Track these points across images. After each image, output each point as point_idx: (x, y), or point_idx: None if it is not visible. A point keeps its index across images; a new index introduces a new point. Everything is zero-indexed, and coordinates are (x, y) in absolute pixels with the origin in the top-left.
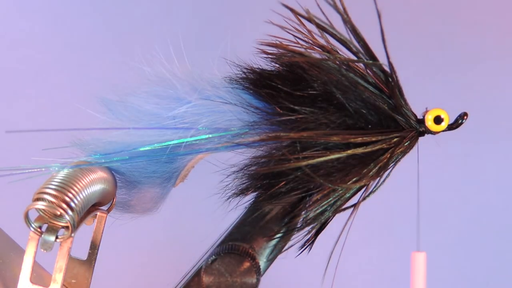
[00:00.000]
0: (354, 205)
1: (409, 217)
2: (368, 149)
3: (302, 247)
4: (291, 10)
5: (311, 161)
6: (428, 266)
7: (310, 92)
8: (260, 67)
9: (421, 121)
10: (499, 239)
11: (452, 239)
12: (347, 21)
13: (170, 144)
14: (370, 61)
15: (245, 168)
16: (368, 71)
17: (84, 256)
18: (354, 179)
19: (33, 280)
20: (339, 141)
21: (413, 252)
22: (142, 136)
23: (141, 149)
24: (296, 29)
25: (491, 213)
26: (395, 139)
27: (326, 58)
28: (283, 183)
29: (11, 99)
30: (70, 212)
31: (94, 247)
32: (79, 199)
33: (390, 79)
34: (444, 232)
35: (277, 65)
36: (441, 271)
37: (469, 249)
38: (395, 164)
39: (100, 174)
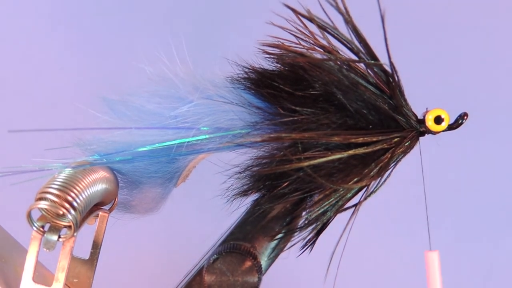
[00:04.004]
0: (355, 205)
1: (409, 217)
2: (369, 149)
3: (303, 247)
4: (293, 10)
5: (312, 162)
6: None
7: (311, 92)
8: (262, 67)
9: (422, 121)
10: (498, 240)
11: (451, 239)
12: (348, 21)
13: (172, 144)
14: (371, 61)
15: (247, 169)
16: (369, 71)
17: (86, 255)
18: (355, 179)
19: (35, 279)
20: (340, 141)
21: (426, 252)
22: (144, 135)
23: (143, 149)
24: (298, 29)
25: (490, 213)
26: (396, 139)
27: (327, 58)
28: (285, 184)
29: (13, 99)
30: (72, 211)
31: (96, 247)
32: (81, 198)
33: (391, 79)
34: (443, 231)
35: (278, 65)
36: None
37: (468, 248)
38: (395, 164)
39: (102, 174)
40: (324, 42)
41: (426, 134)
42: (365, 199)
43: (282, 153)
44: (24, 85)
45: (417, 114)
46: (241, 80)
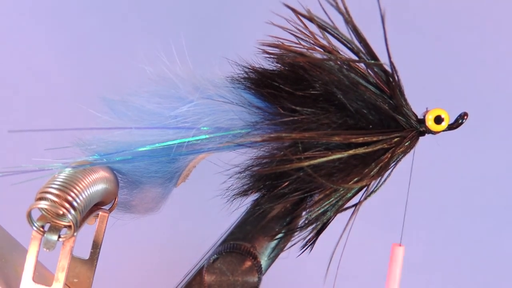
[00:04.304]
0: (355, 205)
1: (409, 217)
2: (369, 149)
3: (303, 247)
4: (293, 10)
5: (313, 162)
6: (426, 265)
7: (312, 92)
8: (262, 67)
9: (422, 121)
10: (497, 240)
11: (450, 239)
12: (348, 21)
13: (172, 144)
14: (371, 61)
15: (247, 169)
16: (369, 71)
17: (86, 255)
18: (355, 179)
19: (35, 279)
20: (341, 141)
21: (393, 244)
22: (144, 135)
23: (143, 149)
24: (298, 29)
25: (489, 213)
26: (396, 139)
27: (327, 58)
28: (285, 184)
29: (13, 99)
30: (72, 211)
31: (96, 247)
32: (81, 198)
33: (391, 79)
34: (443, 231)
35: (278, 65)
36: (439, 270)
37: (467, 248)
38: (395, 164)
39: (102, 173)
40: (324, 42)
41: (426, 134)
42: (365, 199)
43: (282, 153)
44: (24, 85)
45: (417, 114)
46: (241, 80)
